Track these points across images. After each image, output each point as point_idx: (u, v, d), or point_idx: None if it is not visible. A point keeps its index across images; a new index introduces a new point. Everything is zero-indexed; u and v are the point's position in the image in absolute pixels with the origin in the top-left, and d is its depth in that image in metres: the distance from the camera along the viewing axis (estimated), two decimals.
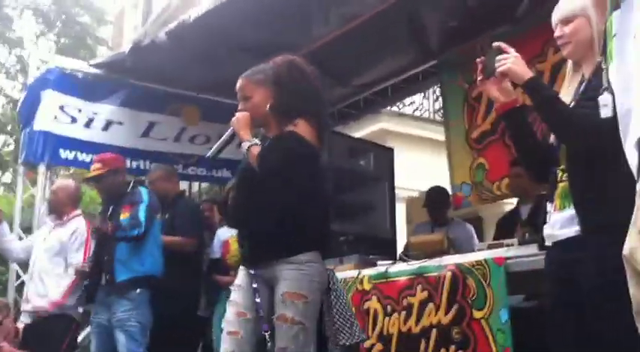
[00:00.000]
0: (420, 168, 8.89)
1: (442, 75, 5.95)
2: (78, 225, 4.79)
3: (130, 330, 4.22)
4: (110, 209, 4.47)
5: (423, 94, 9.26)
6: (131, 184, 4.58)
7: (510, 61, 2.17)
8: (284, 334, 2.65)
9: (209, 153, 2.91)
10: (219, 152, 2.90)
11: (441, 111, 7.80)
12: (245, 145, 2.76)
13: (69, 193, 4.96)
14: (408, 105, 9.81)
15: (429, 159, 9.08)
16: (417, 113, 10.06)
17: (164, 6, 14.80)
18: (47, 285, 4.66)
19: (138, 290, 4.26)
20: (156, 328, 4.31)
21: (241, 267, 2.87)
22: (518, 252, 2.99)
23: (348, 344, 2.78)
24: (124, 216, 4.33)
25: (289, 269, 2.68)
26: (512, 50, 2.21)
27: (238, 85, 2.87)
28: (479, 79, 2.29)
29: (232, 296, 2.84)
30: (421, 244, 3.75)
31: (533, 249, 2.83)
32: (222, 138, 2.89)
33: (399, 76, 6.18)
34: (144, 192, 4.49)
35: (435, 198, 5.38)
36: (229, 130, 2.85)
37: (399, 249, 5.25)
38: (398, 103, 9.02)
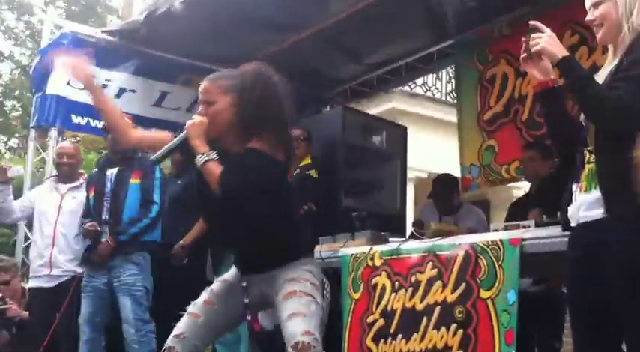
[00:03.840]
0: (430, 149, 8.88)
1: (457, 55, 5.92)
2: None
3: (137, 295, 4.27)
4: (116, 170, 4.46)
5: (435, 75, 9.23)
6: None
7: (543, 40, 2.17)
8: (294, 302, 2.48)
9: (153, 156, 2.68)
10: (166, 156, 2.69)
11: (454, 92, 7.79)
12: (201, 159, 2.50)
13: (80, 156, 5.07)
14: (420, 85, 9.77)
15: (440, 140, 9.06)
16: (429, 94, 10.02)
17: None
18: (77, 250, 4.66)
19: (142, 255, 4.33)
20: (167, 293, 4.32)
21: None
22: (535, 234, 2.97)
23: None
24: (133, 181, 4.40)
25: (290, 268, 2.58)
26: (547, 29, 2.21)
27: (202, 87, 2.66)
28: (521, 57, 2.28)
29: (213, 285, 2.76)
30: (439, 232, 3.69)
31: (551, 230, 2.82)
32: (173, 141, 2.62)
33: (413, 56, 6.13)
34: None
35: (440, 190, 5.13)
36: (182, 134, 2.59)
37: (409, 228, 5.26)
38: (410, 83, 8.99)
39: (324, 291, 2.65)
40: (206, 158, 2.50)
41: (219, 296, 2.70)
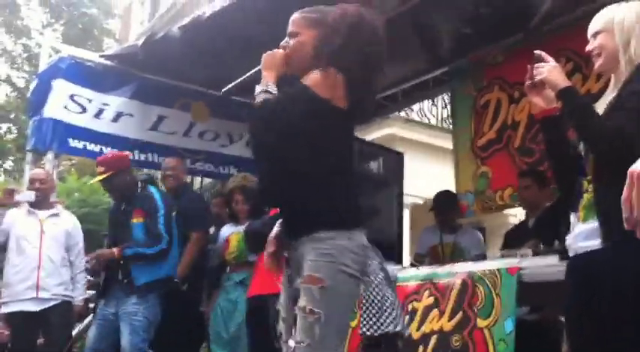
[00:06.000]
0: (426, 175, 8.88)
1: (453, 81, 5.95)
2: (72, 219, 4.95)
3: (135, 324, 4.23)
4: (122, 206, 4.52)
5: (431, 101, 9.26)
6: (139, 184, 4.60)
7: (546, 69, 2.21)
8: (300, 323, 2.22)
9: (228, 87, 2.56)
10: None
11: (449, 118, 7.82)
12: (257, 88, 2.32)
13: (53, 182, 5.08)
14: (416, 111, 9.82)
15: (435, 166, 9.07)
16: (425, 120, 10.07)
17: (172, 2, 14.83)
18: (63, 274, 4.68)
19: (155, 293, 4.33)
20: (161, 324, 4.32)
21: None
22: (532, 263, 2.97)
23: (369, 333, 2.57)
24: (136, 220, 4.39)
25: (310, 248, 2.25)
26: (550, 59, 2.24)
27: (291, 19, 2.47)
28: (526, 84, 2.33)
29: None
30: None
31: (547, 260, 2.83)
32: (249, 73, 2.53)
33: (409, 82, 6.16)
34: (157, 196, 4.49)
35: (442, 203, 5.21)
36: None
37: (405, 254, 5.26)
38: (406, 109, 9.03)
39: (367, 277, 2.42)
40: (262, 88, 2.30)
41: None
